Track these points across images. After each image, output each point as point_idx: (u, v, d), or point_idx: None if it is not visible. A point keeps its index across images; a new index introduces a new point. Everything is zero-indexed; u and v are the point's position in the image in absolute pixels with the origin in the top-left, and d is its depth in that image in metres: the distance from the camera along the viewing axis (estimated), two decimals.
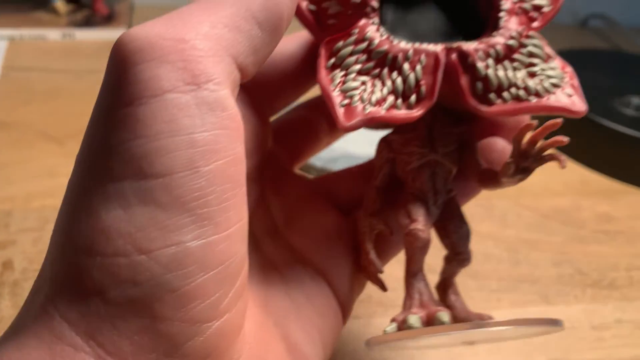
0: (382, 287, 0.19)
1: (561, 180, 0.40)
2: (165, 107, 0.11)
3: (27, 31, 0.51)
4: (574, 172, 0.41)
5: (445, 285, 0.17)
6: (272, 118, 0.20)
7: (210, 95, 0.12)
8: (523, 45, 0.16)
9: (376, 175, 0.18)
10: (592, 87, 0.45)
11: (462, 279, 0.29)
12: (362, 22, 0.17)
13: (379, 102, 0.16)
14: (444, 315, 0.15)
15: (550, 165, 0.40)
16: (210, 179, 0.12)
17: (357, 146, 0.39)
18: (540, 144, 0.15)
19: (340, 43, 0.16)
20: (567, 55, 0.51)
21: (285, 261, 0.18)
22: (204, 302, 0.12)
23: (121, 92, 0.12)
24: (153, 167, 0.11)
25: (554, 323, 0.14)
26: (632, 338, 0.28)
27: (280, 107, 0.19)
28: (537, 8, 0.17)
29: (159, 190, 0.11)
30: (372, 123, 0.16)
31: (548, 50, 0.16)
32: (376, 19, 0.17)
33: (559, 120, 0.14)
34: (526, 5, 0.17)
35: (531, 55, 0.16)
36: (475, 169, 0.17)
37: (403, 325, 0.15)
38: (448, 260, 0.17)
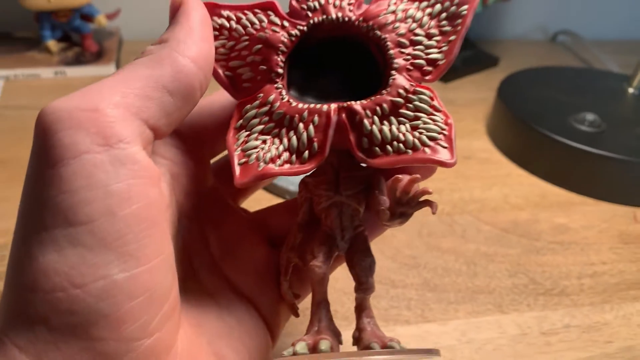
0: (295, 313, 0.22)
1: (521, 194, 0.42)
2: (83, 166, 0.14)
3: (21, 71, 0.54)
4: (534, 186, 0.44)
5: (360, 309, 0.19)
6: (215, 159, 0.22)
7: (121, 152, 0.14)
8: (409, 101, 0.18)
9: (298, 212, 0.20)
10: (550, 105, 0.48)
11: (421, 292, 0.32)
12: (267, 86, 0.19)
13: (274, 159, 0.18)
14: (324, 343, 0.17)
15: (514, 182, 0.43)
16: (127, 222, 0.14)
17: None
18: (412, 193, 0.17)
19: (248, 106, 0.19)
20: (532, 73, 0.54)
21: (219, 290, 0.20)
22: (134, 324, 0.14)
23: (46, 156, 0.14)
24: (77, 216, 0.13)
25: (430, 352, 0.16)
26: (579, 342, 0.30)
27: (220, 150, 0.22)
28: (432, 62, 0.19)
29: (84, 235, 0.14)
30: (266, 178, 0.18)
31: (436, 102, 0.18)
32: (280, 84, 0.19)
33: (418, 176, 0.17)
34: (419, 62, 0.19)
35: (417, 109, 0.18)
36: (377, 208, 0.19)
37: (297, 350, 0.17)
38: (355, 289, 0.19)
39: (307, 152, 0.18)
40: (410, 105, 0.18)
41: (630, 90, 0.50)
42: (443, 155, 0.17)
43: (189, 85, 0.16)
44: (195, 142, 0.20)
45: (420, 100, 0.18)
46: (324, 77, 0.21)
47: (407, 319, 0.30)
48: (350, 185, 0.19)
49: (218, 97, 0.21)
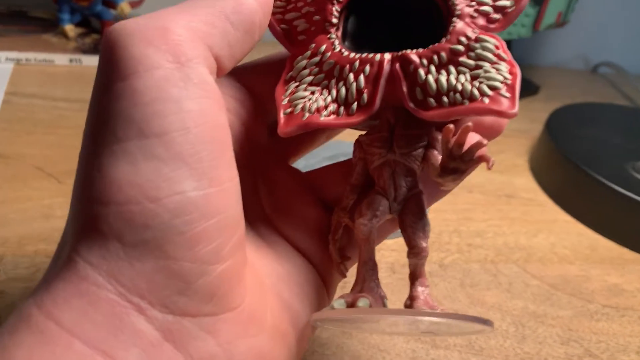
0: (341, 274, 0.21)
1: (569, 244, 0.39)
2: (155, 80, 0.14)
3: (34, 54, 0.50)
4: (583, 236, 0.40)
5: (413, 276, 0.18)
6: None
7: (192, 71, 0.14)
8: (471, 49, 0.17)
9: (352, 173, 0.20)
10: (605, 148, 0.44)
11: (466, 356, 0.28)
12: (320, 37, 0.18)
13: (320, 110, 0.17)
14: (362, 301, 0.16)
15: (561, 229, 0.39)
16: (201, 139, 0.14)
17: None
18: (465, 146, 0.16)
19: (299, 57, 0.18)
20: (583, 108, 0.50)
21: (275, 241, 0.19)
22: (208, 246, 0.14)
23: (117, 69, 0.14)
24: (151, 128, 0.13)
25: (484, 322, 0.15)
26: None
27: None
28: (500, 9, 0.17)
29: (159, 147, 0.13)
30: (310, 129, 0.17)
31: (501, 51, 0.17)
32: (333, 34, 0.18)
33: (470, 124, 0.15)
34: (485, 8, 0.18)
35: (478, 58, 0.17)
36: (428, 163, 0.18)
37: (333, 305, 0.17)
38: (407, 253, 0.18)
39: (355, 103, 0.17)
40: (472, 54, 0.17)
41: None
42: (503, 104, 0.16)
43: (249, 19, 0.16)
44: (252, 95, 0.19)
45: (484, 49, 0.17)
46: (383, 30, 0.20)
47: None
48: (405, 143, 0.18)
49: (276, 55, 0.20)
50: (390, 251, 0.35)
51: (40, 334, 0.13)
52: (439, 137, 0.18)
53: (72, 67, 0.51)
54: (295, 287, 0.19)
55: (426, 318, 0.16)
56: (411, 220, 0.18)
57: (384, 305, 0.18)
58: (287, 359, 0.17)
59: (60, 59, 0.51)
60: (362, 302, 0.16)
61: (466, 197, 0.42)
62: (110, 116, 0.14)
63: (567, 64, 0.75)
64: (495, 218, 0.40)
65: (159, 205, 0.13)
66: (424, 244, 0.18)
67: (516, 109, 0.16)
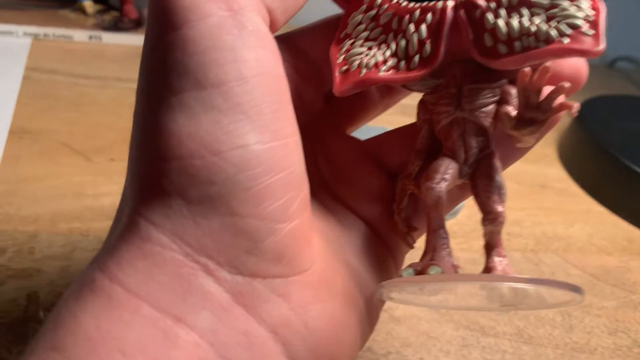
0: (408, 244, 0.20)
1: (606, 236, 0.38)
2: (209, 28, 0.13)
3: (52, 30, 0.48)
4: (619, 228, 0.39)
5: (489, 246, 0.16)
6: None
7: (246, 19, 0.13)
8: None
9: (416, 137, 0.18)
10: (636, 138, 0.44)
11: (516, 344, 0.28)
12: None
13: (378, 65, 0.16)
14: (433, 269, 0.15)
15: (596, 221, 0.39)
16: (260, 89, 0.13)
17: None
18: (544, 93, 0.14)
19: (354, 13, 0.17)
20: (613, 100, 0.50)
21: (337, 209, 0.18)
22: (275, 203, 0.13)
23: (168, 19, 0.13)
24: (208, 78, 0.13)
25: (575, 290, 0.14)
26: None
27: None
28: None
29: (217, 98, 0.12)
30: (368, 85, 0.16)
31: None
32: None
33: (549, 64, 0.14)
34: None
35: None
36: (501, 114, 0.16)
37: (402, 274, 0.16)
38: (482, 220, 0.16)
39: (417, 56, 0.16)
40: None
41: None
42: (586, 42, 0.14)
43: None
44: (307, 61, 0.18)
45: None
46: None
47: None
48: (475, 98, 0.16)
49: (332, 17, 0.19)
50: None
51: (106, 298, 0.12)
52: (513, 91, 0.16)
53: (91, 44, 0.49)
54: (362, 255, 0.18)
55: (506, 284, 0.15)
56: (484, 184, 0.16)
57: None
58: (359, 329, 0.16)
59: (79, 36, 0.49)
60: (434, 270, 0.15)
61: None
62: (165, 68, 0.13)
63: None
64: (531, 207, 0.40)
65: (222, 159, 0.12)
66: (499, 209, 0.16)
67: (602, 46, 0.14)
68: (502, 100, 0.16)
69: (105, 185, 0.33)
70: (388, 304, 0.29)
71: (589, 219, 0.40)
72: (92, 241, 0.29)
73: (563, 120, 0.51)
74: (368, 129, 0.37)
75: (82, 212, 0.31)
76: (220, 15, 0.13)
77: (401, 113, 0.31)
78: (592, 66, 0.75)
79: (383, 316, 0.28)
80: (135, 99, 0.14)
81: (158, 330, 0.12)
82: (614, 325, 0.31)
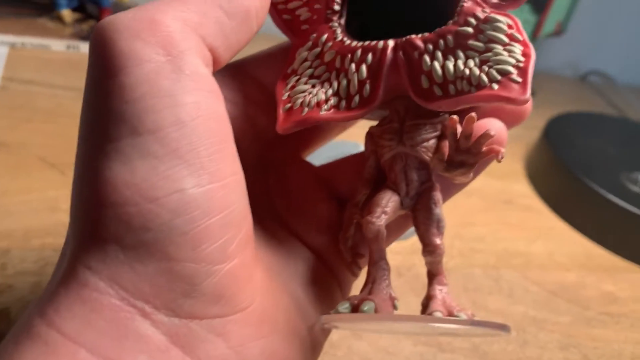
0: (353, 273, 0.20)
1: (566, 252, 0.40)
2: (146, 74, 0.13)
3: (30, 39, 0.49)
4: (579, 245, 0.41)
5: (430, 275, 0.17)
6: None
7: (184, 63, 0.13)
8: (480, 30, 0.15)
9: (364, 166, 0.19)
10: (601, 158, 0.45)
11: None
12: (322, 26, 0.17)
13: (320, 104, 0.16)
14: (367, 304, 0.16)
15: (557, 237, 0.40)
16: (197, 133, 0.13)
17: None
18: (473, 138, 0.15)
19: (301, 49, 0.17)
20: (580, 118, 0.51)
21: (286, 239, 0.19)
22: (213, 245, 0.13)
23: (106, 67, 0.13)
24: (144, 124, 0.13)
25: (502, 328, 0.15)
26: None
27: None
28: None
29: (153, 144, 0.13)
30: (310, 124, 0.16)
31: (515, 31, 0.15)
32: (335, 22, 0.17)
33: (474, 114, 0.15)
34: None
35: (489, 40, 0.15)
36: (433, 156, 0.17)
37: (338, 309, 0.16)
38: (422, 251, 0.17)
39: (357, 95, 0.16)
40: (482, 36, 0.15)
41: None
42: (514, 90, 0.14)
43: (244, 8, 0.15)
44: (260, 88, 0.19)
45: (494, 29, 0.15)
46: (391, 16, 0.19)
47: None
48: (416, 134, 0.17)
49: (286, 44, 0.19)
50: (395, 254, 0.36)
51: (43, 344, 0.12)
52: None
53: (69, 54, 0.50)
54: (307, 286, 0.18)
55: (432, 324, 0.15)
56: (424, 217, 0.17)
57: (394, 307, 0.17)
58: (302, 359, 0.17)
59: (57, 45, 0.49)
60: (367, 306, 0.16)
61: (465, 201, 0.42)
62: (101, 115, 0.13)
63: (556, 71, 0.76)
64: (495, 223, 0.41)
65: (157, 205, 0.13)
66: (437, 241, 0.17)
67: (527, 95, 0.14)
68: (443, 135, 0.17)
69: None
70: None
71: (551, 236, 0.41)
72: None
73: (531, 136, 0.52)
74: (341, 145, 0.38)
75: (56, 227, 0.31)
76: (157, 60, 0.13)
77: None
78: (564, 80, 0.78)
79: (344, 332, 0.29)
80: (76, 145, 0.15)
81: None
82: (566, 340, 0.32)
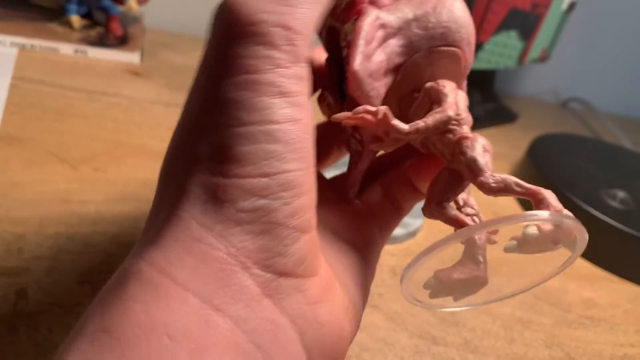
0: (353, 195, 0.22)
1: None
2: (278, 76, 0.15)
3: (39, 42, 0.50)
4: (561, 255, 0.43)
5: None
6: None
7: (303, 71, 0.16)
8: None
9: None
10: (581, 175, 0.48)
11: (463, 354, 0.31)
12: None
13: None
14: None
15: None
16: (304, 129, 0.16)
17: None
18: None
19: None
20: (561, 139, 0.54)
21: (323, 232, 0.21)
22: (303, 216, 0.15)
23: (243, 65, 0.15)
24: (272, 117, 0.15)
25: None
26: None
27: None
28: None
29: (277, 132, 0.15)
30: None
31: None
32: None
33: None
34: None
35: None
36: None
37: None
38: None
39: None
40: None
41: None
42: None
43: None
44: None
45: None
46: None
47: None
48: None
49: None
50: (391, 255, 0.37)
51: (154, 289, 0.14)
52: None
53: (77, 58, 0.51)
54: (344, 268, 0.20)
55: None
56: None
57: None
58: (351, 328, 0.18)
59: (65, 49, 0.51)
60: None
61: None
62: (233, 102, 0.15)
63: (538, 96, 0.80)
64: None
65: (271, 179, 0.15)
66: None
67: (356, 67, 0.18)
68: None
69: (89, 193, 0.35)
70: None
71: None
72: (77, 244, 0.31)
73: (515, 155, 0.55)
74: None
75: (68, 218, 0.33)
76: (285, 66, 0.15)
77: None
78: (546, 105, 0.82)
79: None
80: (188, 122, 0.17)
81: (200, 318, 0.14)
82: (550, 339, 0.34)
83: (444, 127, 0.18)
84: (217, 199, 0.15)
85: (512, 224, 0.16)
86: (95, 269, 0.29)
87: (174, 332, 0.13)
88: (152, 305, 0.14)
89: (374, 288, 0.34)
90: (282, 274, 0.15)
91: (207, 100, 0.16)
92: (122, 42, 0.54)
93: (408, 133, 0.18)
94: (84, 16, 0.55)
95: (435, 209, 0.18)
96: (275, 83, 0.15)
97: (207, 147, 0.15)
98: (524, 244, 0.17)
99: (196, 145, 0.16)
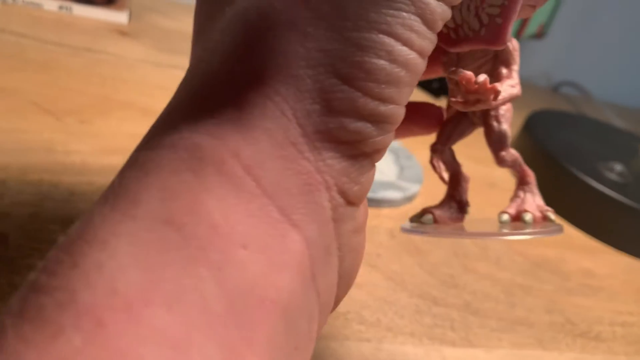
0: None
1: None
2: None
3: None
4: None
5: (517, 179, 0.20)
6: None
7: None
8: None
9: None
10: (579, 148, 0.47)
11: (464, 315, 0.30)
12: None
13: None
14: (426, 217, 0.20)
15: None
16: None
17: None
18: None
19: None
20: (557, 115, 0.54)
21: None
22: (384, 151, 0.14)
23: None
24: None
25: (558, 231, 0.18)
26: None
27: None
28: None
29: (411, 61, 0.13)
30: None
31: None
32: None
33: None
34: None
35: None
36: None
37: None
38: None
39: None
40: None
41: None
42: (493, 36, 0.16)
43: None
44: None
45: None
46: None
47: (452, 340, 0.28)
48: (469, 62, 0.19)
49: None
50: (389, 219, 0.36)
51: (236, 187, 0.12)
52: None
53: (61, 14, 0.49)
54: None
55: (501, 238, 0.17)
56: (486, 134, 0.20)
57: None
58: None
59: (49, 4, 0.49)
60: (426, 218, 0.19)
61: None
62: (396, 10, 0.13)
63: (530, 79, 0.80)
64: (481, 203, 0.42)
65: (385, 106, 0.13)
66: (500, 155, 0.20)
67: (505, 39, 0.16)
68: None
69: (75, 144, 0.33)
70: None
71: None
72: (62, 192, 0.29)
73: (513, 129, 0.55)
74: None
75: (53, 166, 0.31)
76: None
77: None
78: (538, 89, 0.82)
79: None
80: None
81: (278, 232, 0.12)
82: (550, 305, 0.33)
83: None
84: (328, 105, 0.13)
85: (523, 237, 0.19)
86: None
87: (250, 242, 0.12)
88: (232, 207, 0.12)
89: (372, 248, 0.33)
90: (350, 201, 0.14)
91: None
92: (109, 1, 0.52)
93: (498, 103, 0.17)
94: None
95: (443, 149, 0.20)
96: (434, 11, 0.13)
97: (342, 38, 0.12)
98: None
99: (329, 24, 0.13)
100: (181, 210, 0.11)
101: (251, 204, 0.12)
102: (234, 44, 0.13)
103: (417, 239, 0.35)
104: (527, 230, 0.18)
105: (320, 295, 0.14)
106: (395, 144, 0.44)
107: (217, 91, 0.13)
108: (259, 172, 0.12)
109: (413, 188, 0.39)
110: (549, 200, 0.44)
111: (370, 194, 0.36)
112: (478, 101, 0.17)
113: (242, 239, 0.12)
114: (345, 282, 0.15)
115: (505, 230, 0.19)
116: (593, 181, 0.42)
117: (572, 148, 0.47)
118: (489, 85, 0.16)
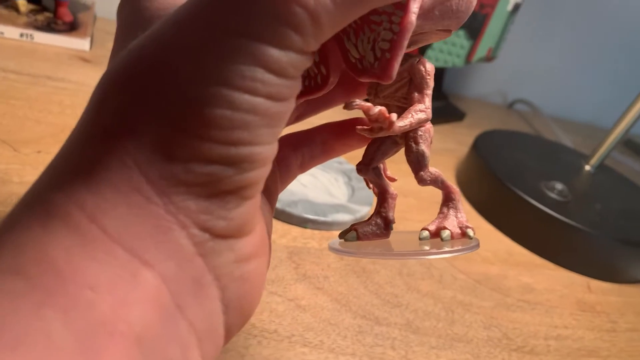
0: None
1: (491, 249, 0.44)
2: None
3: None
4: (502, 243, 0.45)
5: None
6: None
7: None
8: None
9: None
10: (523, 168, 0.50)
11: (405, 334, 0.32)
12: None
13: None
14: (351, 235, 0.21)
15: (483, 236, 0.44)
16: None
17: (317, 193, 0.41)
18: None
19: None
20: (504, 135, 0.57)
21: None
22: (254, 187, 0.15)
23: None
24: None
25: (476, 247, 0.19)
26: None
27: None
28: None
29: (257, 106, 0.14)
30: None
31: None
32: None
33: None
34: None
35: (383, 11, 0.16)
36: None
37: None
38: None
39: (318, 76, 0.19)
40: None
41: (587, 167, 0.54)
42: (382, 71, 0.16)
43: None
44: None
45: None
46: None
47: (392, 359, 0.30)
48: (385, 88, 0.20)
49: None
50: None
51: (81, 236, 0.13)
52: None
53: (22, 42, 0.50)
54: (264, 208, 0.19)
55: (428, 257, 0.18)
56: (406, 155, 0.20)
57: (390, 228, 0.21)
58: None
59: (10, 32, 0.49)
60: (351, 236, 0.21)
61: (403, 200, 0.46)
62: (229, 60, 0.13)
63: (486, 98, 0.83)
64: (428, 220, 0.44)
65: (236, 149, 0.14)
66: (420, 175, 0.19)
67: (390, 74, 0.16)
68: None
69: (32, 175, 0.34)
70: (293, 294, 0.32)
71: (478, 234, 0.45)
72: None
73: (461, 151, 0.57)
74: None
75: (8, 197, 0.32)
76: None
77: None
78: (493, 107, 0.85)
79: (290, 304, 0.31)
80: (172, 38, 0.14)
81: (127, 272, 0.13)
82: (489, 321, 0.35)
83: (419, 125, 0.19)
84: (169, 154, 0.13)
85: (441, 256, 0.19)
86: None
87: (97, 285, 0.12)
88: (77, 253, 0.12)
89: (319, 271, 0.34)
90: (221, 235, 0.15)
91: (205, 44, 0.13)
92: (71, 28, 0.53)
93: (401, 129, 0.18)
94: (32, 1, 0.54)
95: (366, 169, 0.21)
96: (278, 61, 0.13)
97: (178, 92, 0.13)
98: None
99: (165, 79, 0.13)
100: (29, 262, 0.12)
101: (96, 250, 0.13)
102: (92, 102, 0.14)
103: (363, 259, 0.37)
104: (446, 249, 0.19)
105: (194, 324, 0.14)
106: (348, 166, 0.46)
107: (75, 148, 0.14)
108: (104, 221, 0.13)
109: (363, 210, 0.41)
110: (494, 217, 0.47)
111: (321, 217, 0.38)
112: (381, 129, 0.18)
113: (88, 282, 0.12)
114: (237, 309, 0.16)
115: (426, 248, 0.19)
116: (534, 201, 0.44)
117: (517, 168, 0.50)
118: (385, 115, 0.17)
